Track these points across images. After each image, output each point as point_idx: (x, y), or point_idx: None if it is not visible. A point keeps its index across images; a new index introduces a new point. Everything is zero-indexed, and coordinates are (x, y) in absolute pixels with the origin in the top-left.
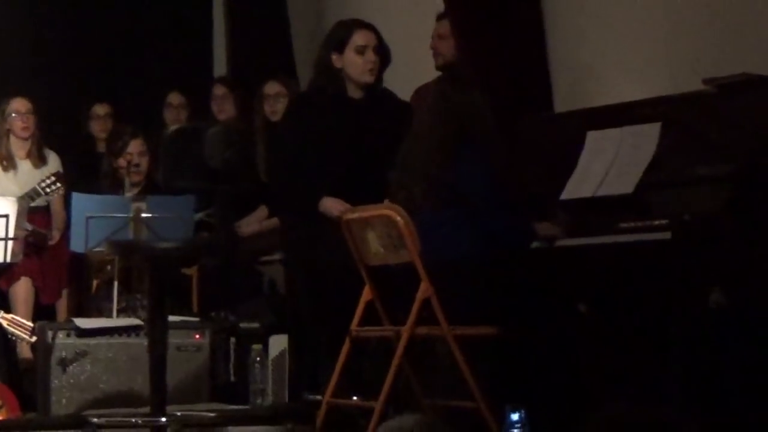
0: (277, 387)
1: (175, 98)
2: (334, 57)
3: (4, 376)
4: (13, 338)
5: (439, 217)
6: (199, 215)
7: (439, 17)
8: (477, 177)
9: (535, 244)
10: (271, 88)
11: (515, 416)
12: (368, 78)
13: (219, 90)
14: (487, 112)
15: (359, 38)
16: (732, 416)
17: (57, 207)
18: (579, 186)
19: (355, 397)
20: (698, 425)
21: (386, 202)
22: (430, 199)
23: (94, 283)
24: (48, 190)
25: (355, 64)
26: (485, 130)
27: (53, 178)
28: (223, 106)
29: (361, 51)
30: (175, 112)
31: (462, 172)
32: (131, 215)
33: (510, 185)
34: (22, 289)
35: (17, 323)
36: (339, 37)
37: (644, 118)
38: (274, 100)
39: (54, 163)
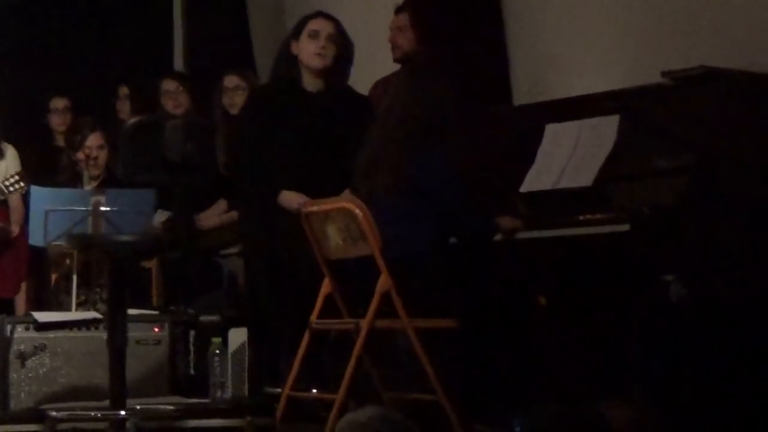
0: (237, 380)
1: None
2: (293, 44)
3: None
4: None
5: (400, 209)
6: (161, 219)
7: (398, 10)
8: (440, 170)
9: (495, 237)
10: (230, 81)
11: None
12: (317, 62)
13: (170, 85)
14: (453, 105)
15: (313, 24)
16: (690, 408)
17: (15, 201)
18: (538, 179)
19: (315, 390)
20: (657, 419)
21: (347, 193)
22: (392, 191)
23: (53, 276)
24: (12, 189)
25: (306, 48)
26: (450, 123)
27: (17, 177)
28: (179, 101)
29: (313, 36)
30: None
31: (425, 164)
32: (90, 209)
33: (471, 178)
34: None
35: None
36: (298, 25)
37: (603, 111)
38: (233, 92)
39: (11, 157)
